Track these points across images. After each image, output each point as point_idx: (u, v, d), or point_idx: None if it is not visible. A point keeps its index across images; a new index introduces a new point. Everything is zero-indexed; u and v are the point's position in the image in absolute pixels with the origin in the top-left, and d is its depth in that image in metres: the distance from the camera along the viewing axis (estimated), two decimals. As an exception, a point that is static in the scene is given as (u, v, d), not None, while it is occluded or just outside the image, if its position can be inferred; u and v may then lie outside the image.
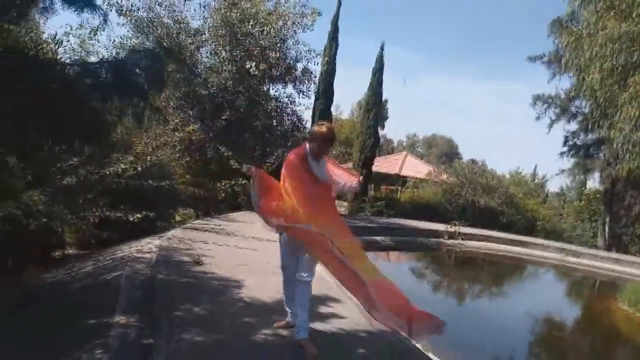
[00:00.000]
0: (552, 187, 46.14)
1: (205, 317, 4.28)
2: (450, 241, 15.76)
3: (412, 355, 4.20)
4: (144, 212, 8.88)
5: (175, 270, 5.79)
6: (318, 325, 4.30)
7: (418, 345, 4.46)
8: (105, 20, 3.89)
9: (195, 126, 11.54)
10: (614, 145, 9.64)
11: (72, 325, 4.54)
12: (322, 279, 5.69)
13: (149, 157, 9.21)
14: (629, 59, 7.89)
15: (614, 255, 16.69)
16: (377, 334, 4.44)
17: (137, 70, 3.88)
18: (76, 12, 3.23)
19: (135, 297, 5.24)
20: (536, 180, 56.74)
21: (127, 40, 12.69)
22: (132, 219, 8.49)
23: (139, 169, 8.55)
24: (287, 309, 4.15)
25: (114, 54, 10.14)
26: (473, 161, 35.61)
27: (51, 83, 3.51)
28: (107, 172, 7.40)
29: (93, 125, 3.60)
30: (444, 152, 72.41)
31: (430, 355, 4.44)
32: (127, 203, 9.40)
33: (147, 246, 8.08)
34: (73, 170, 6.64)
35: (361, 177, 4.14)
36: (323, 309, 4.94)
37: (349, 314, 4.90)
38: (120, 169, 7.65)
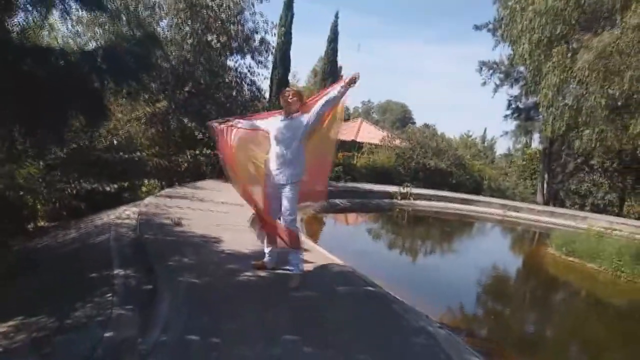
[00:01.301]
0: (501, 149, 48.42)
1: (194, 265, 5.06)
2: (403, 201, 16.90)
3: (358, 280, 5.13)
4: (118, 183, 9.39)
5: (158, 231, 6.50)
6: (292, 268, 5.16)
7: (360, 273, 5.41)
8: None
9: (165, 102, 11.93)
10: (540, 109, 10.83)
11: (78, 279, 5.23)
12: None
13: (120, 130, 9.66)
14: (554, 32, 8.93)
15: (549, 209, 18.35)
16: (338, 272, 5.37)
17: (129, 56, 4.50)
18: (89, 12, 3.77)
19: (126, 254, 5.97)
20: (486, 143, 59.38)
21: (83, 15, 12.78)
22: (108, 189, 8.98)
23: (114, 142, 9.02)
24: (265, 251, 5.00)
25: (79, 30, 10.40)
26: (426, 126, 37.05)
27: (57, 67, 4.10)
28: (85, 145, 7.85)
29: (97, 104, 4.23)
30: (398, 117, 73.93)
31: (370, 278, 5.32)
32: (97, 175, 9.89)
33: (125, 213, 8.71)
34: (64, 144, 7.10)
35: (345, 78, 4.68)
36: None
37: (316, 259, 5.79)
38: (96, 142, 8.10)
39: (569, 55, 8.62)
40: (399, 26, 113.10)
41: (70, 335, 3.85)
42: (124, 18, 12.21)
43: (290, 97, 4.70)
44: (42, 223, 10.78)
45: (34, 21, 3.39)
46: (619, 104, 8.19)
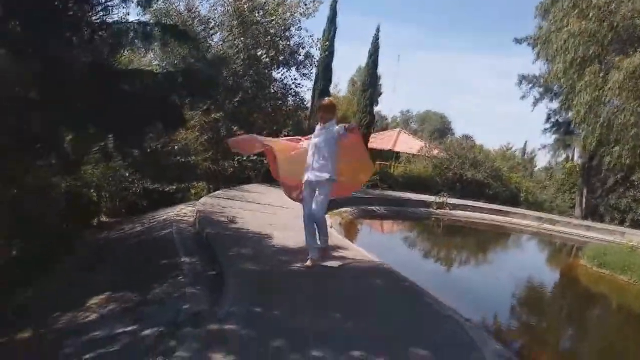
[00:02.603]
0: (542, 162, 47.74)
1: (251, 256, 5.85)
2: (439, 211, 17.36)
3: (393, 275, 5.78)
4: (176, 185, 10.36)
5: (216, 227, 7.33)
6: (334, 263, 5.88)
7: (395, 269, 6.04)
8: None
9: (219, 114, 12.92)
10: (573, 125, 11.20)
11: (151, 265, 6.11)
12: (332, 234, 7.33)
13: (178, 137, 10.66)
14: (587, 53, 9.37)
15: (586, 223, 18.40)
16: (375, 268, 6.05)
17: (202, 76, 5.35)
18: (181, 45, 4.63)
19: (189, 246, 6.83)
20: (526, 156, 58.51)
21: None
22: (167, 190, 9.95)
23: (175, 148, 10.00)
24: (310, 248, 5.71)
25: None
26: (466, 137, 37.22)
27: (146, 86, 4.97)
28: (158, 149, 8.83)
29: (177, 116, 5.08)
30: (437, 128, 73.72)
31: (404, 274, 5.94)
32: (157, 177, 10.92)
33: (182, 212, 9.65)
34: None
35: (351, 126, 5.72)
36: (335, 254, 6.51)
37: (355, 256, 6.48)
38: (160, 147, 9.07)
39: (601, 75, 9.03)
40: (440, 37, 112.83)
41: (153, 307, 4.68)
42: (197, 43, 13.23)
43: (324, 107, 5.63)
44: (105, 219, 11.90)
45: (137, 53, 4.23)
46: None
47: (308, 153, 5.65)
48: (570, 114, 19.85)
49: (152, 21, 14.12)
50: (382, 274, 5.85)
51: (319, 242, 5.72)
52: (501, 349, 4.76)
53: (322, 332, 3.72)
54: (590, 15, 9.16)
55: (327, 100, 5.91)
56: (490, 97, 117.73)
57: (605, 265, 10.69)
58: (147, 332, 3.97)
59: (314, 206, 5.54)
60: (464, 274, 10.32)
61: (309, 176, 5.55)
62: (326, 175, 5.47)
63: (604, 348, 6.95)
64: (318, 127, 5.69)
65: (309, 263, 5.56)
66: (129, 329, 4.18)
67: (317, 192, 5.55)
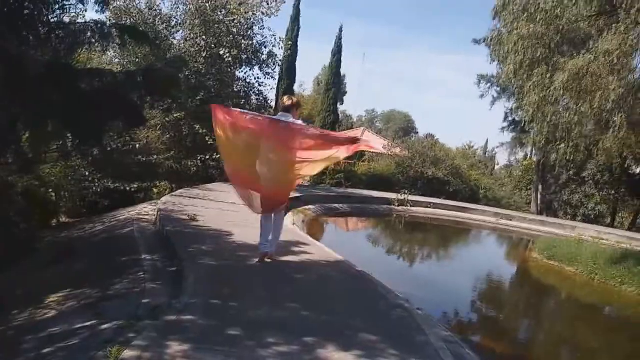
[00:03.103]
0: (503, 159, 49.06)
1: (212, 252, 5.98)
2: (400, 207, 17.76)
3: (350, 269, 6.01)
4: (137, 184, 10.34)
5: (177, 224, 7.41)
6: (294, 258, 6.07)
7: (361, 269, 6.28)
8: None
9: (181, 113, 12.89)
10: (523, 124, 11.72)
11: (111, 262, 6.15)
12: (294, 232, 7.52)
13: (140, 136, 10.63)
14: (535, 54, 9.84)
15: (540, 218, 19.21)
16: (334, 262, 6.26)
17: (162, 75, 5.44)
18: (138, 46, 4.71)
19: (150, 243, 6.90)
20: (487, 154, 60.12)
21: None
22: (129, 188, 9.92)
23: (136, 146, 9.98)
24: (261, 246, 5.73)
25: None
26: (429, 135, 38.03)
27: (107, 86, 5.04)
28: (117, 147, 8.81)
29: (137, 115, 5.16)
30: (401, 127, 74.84)
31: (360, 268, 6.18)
32: (117, 175, 10.85)
33: (144, 210, 9.65)
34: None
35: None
36: (296, 249, 6.70)
37: (315, 251, 6.69)
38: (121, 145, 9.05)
39: (548, 76, 9.51)
40: (404, 34, 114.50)
41: (113, 302, 4.76)
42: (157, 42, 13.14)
43: (292, 106, 5.67)
44: (64, 219, 11.73)
45: (95, 51, 4.31)
46: (591, 120, 9.10)
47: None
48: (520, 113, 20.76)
49: (112, 19, 14.02)
50: (340, 268, 6.09)
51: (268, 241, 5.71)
52: (448, 335, 5.05)
53: (278, 321, 3.91)
54: (538, 18, 9.62)
55: (293, 98, 5.98)
56: (455, 96, 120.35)
57: (554, 257, 11.26)
58: (107, 325, 4.06)
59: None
60: (421, 268, 10.71)
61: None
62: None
63: (546, 332, 7.40)
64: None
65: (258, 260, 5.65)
66: (88, 323, 4.25)
67: None
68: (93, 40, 4.37)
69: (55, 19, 4.58)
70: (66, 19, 4.97)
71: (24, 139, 5.55)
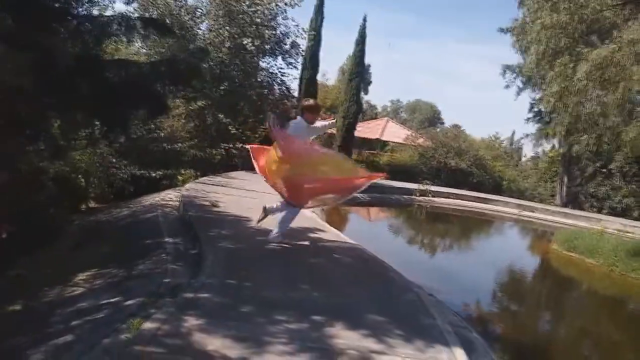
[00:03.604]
0: (530, 151, 48.30)
1: (231, 236, 6.22)
2: (422, 198, 17.81)
3: (364, 254, 6.18)
4: (163, 170, 10.68)
5: (199, 210, 7.69)
6: (309, 242, 6.27)
7: (365, 248, 6.43)
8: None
9: (204, 102, 13.19)
10: (543, 115, 11.64)
11: (136, 245, 6.45)
12: (313, 219, 7.73)
13: (165, 124, 10.95)
14: (558, 44, 9.76)
15: (563, 210, 18.98)
16: (348, 248, 6.44)
17: (184, 65, 5.67)
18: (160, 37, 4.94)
19: (173, 227, 7.18)
20: (513, 145, 59.20)
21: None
22: (154, 175, 10.25)
23: (161, 134, 10.30)
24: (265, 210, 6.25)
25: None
26: (455, 126, 37.78)
27: (132, 76, 5.29)
28: (143, 135, 9.13)
29: (160, 103, 5.41)
30: (426, 117, 74.22)
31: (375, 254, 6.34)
32: (144, 163, 11.22)
33: (168, 196, 9.98)
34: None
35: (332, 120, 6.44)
36: (313, 235, 6.89)
37: (331, 237, 6.88)
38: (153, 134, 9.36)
39: (571, 66, 9.42)
40: (430, 25, 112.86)
41: (137, 281, 5.04)
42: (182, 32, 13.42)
43: (313, 108, 6.00)
44: (93, 204, 12.18)
45: (122, 43, 4.55)
46: (614, 111, 8.99)
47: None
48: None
49: (139, 10, 14.36)
50: (354, 254, 6.26)
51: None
52: (457, 320, 5.20)
53: (289, 301, 4.11)
54: (562, 7, 9.51)
55: (312, 101, 6.27)
56: (481, 86, 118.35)
57: (575, 249, 11.20)
58: (130, 302, 4.33)
59: None
60: (440, 257, 10.79)
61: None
62: None
63: (561, 323, 7.44)
64: (305, 125, 5.90)
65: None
66: (113, 300, 4.53)
67: None
68: (119, 33, 4.61)
69: (85, 12, 4.82)
70: (95, 12, 5.20)
71: (55, 127, 5.86)
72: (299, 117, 6.04)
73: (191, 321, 3.42)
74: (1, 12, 4.04)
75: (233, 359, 2.98)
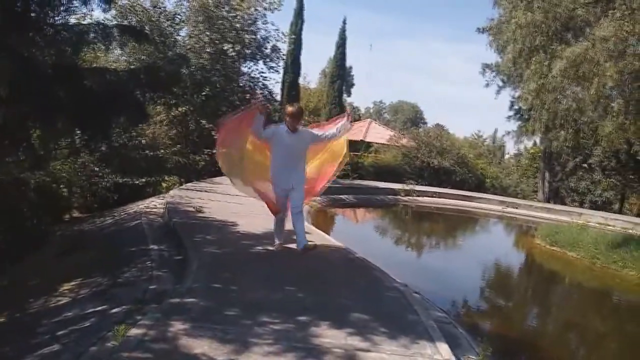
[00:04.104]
0: (513, 148, 48.94)
1: (216, 241, 6.23)
2: (407, 197, 17.94)
3: (349, 255, 6.23)
4: (145, 178, 10.62)
5: (184, 216, 7.68)
6: (294, 245, 6.29)
7: (360, 255, 6.49)
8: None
9: (185, 107, 13.15)
10: (522, 112, 11.84)
11: (121, 253, 6.43)
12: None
13: (146, 131, 10.90)
14: (533, 42, 9.94)
15: (546, 205, 19.27)
16: (334, 249, 6.49)
17: (163, 73, 5.67)
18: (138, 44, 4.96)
19: (158, 235, 7.18)
20: (495, 143, 59.91)
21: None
22: (137, 183, 10.20)
23: (143, 141, 10.25)
24: (276, 239, 6.08)
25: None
26: (438, 125, 38.09)
27: (110, 83, 5.28)
28: (124, 143, 9.08)
29: (140, 110, 5.41)
30: (409, 117, 74.76)
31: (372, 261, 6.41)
32: (126, 170, 11.15)
33: (152, 204, 9.93)
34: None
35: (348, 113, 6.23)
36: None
37: (317, 239, 6.91)
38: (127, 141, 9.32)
39: (547, 63, 9.60)
40: (412, 24, 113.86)
41: (123, 289, 5.03)
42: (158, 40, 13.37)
43: (294, 114, 5.68)
44: (76, 214, 12.07)
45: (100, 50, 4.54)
46: (590, 107, 9.19)
47: (274, 155, 5.73)
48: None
49: (117, 18, 14.26)
50: (339, 255, 6.32)
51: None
52: (443, 316, 5.27)
53: (275, 303, 4.14)
54: (536, 7, 9.70)
55: (296, 106, 5.98)
56: (464, 85, 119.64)
57: (557, 243, 11.39)
58: (116, 309, 4.33)
59: (296, 200, 5.84)
60: (426, 255, 10.89)
61: (284, 181, 5.76)
62: (300, 181, 5.81)
63: (544, 315, 7.57)
64: (284, 130, 5.66)
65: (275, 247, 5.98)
66: (99, 308, 4.52)
67: (290, 195, 5.84)
68: (96, 41, 4.61)
69: (61, 21, 4.81)
70: (72, 21, 5.19)
71: (35, 137, 5.82)
72: (281, 124, 5.86)
73: (177, 326, 3.44)
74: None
75: (220, 361, 3.01)
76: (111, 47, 5.07)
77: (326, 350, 3.31)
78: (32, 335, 4.23)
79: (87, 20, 6.79)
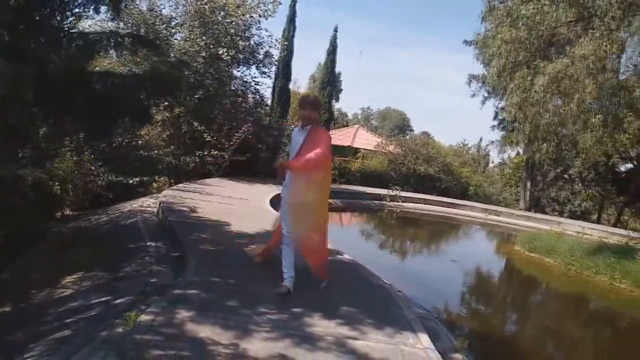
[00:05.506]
0: (496, 157, 49.85)
1: (211, 239, 6.52)
2: (392, 203, 18.36)
3: (338, 255, 6.58)
4: (139, 177, 10.86)
5: (178, 215, 7.95)
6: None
7: (338, 250, 6.82)
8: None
9: (181, 109, 13.41)
10: (506, 123, 12.34)
11: (119, 249, 6.69)
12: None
13: (143, 132, 11.14)
14: (517, 58, 10.43)
15: (527, 214, 19.83)
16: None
17: (166, 77, 5.99)
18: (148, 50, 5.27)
19: (154, 232, 7.45)
20: (480, 152, 60.83)
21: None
22: (131, 182, 10.43)
23: (139, 142, 10.49)
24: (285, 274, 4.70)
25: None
26: (425, 133, 38.78)
27: (117, 86, 5.58)
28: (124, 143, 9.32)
29: (145, 113, 5.71)
30: (396, 124, 75.59)
31: (348, 255, 6.74)
32: (120, 170, 11.36)
33: (145, 203, 10.18)
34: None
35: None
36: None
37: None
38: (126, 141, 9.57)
39: (529, 78, 10.07)
40: (402, 33, 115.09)
41: (124, 282, 5.31)
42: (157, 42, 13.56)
43: (300, 103, 4.64)
44: (68, 212, 12.22)
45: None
46: (570, 121, 9.69)
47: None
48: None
49: (110, 17, 14.45)
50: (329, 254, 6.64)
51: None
52: (424, 312, 5.66)
53: (271, 296, 4.47)
54: (520, 24, 10.17)
55: (311, 96, 5.13)
56: (451, 94, 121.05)
57: (535, 250, 11.88)
58: (120, 300, 4.62)
59: (291, 225, 4.69)
60: (409, 260, 11.29)
61: (284, 191, 4.84)
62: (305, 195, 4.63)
63: (518, 315, 8.00)
64: (297, 130, 4.71)
65: (282, 290, 4.55)
66: (103, 299, 4.80)
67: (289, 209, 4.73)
68: (108, 48, 4.91)
69: (75, 29, 5.10)
70: (80, 26, 5.48)
71: (40, 135, 6.08)
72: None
73: (182, 313, 3.76)
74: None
75: (224, 344, 3.33)
76: (122, 55, 5.38)
77: (319, 337, 3.66)
78: (41, 323, 4.50)
79: (87, 20, 7.11)
